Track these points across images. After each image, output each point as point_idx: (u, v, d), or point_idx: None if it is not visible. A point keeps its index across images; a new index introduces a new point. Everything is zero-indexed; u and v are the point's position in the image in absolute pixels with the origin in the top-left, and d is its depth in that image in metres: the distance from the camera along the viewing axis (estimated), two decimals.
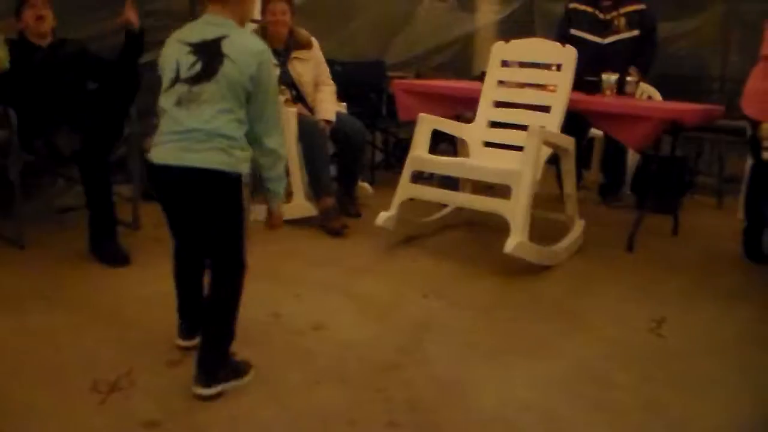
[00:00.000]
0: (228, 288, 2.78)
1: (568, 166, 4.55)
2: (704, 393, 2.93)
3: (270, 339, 3.21)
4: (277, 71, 5.01)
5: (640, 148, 5.11)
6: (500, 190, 4.19)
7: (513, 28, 7.93)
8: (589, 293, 3.96)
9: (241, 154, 2.65)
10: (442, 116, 4.74)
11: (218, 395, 2.71)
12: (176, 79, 2.64)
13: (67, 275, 3.91)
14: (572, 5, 5.66)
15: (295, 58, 5.11)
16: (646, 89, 5.64)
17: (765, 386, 3.03)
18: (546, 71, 4.83)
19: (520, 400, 2.82)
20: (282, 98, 5.00)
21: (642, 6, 5.47)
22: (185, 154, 2.60)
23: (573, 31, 5.51)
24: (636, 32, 5.44)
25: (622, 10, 5.45)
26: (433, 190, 4.61)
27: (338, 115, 5.11)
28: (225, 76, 2.58)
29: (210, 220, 2.72)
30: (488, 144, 4.77)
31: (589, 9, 5.52)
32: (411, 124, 4.72)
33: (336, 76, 5.38)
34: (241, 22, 2.75)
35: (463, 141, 4.82)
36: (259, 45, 2.67)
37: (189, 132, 2.60)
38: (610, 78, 4.98)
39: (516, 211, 3.98)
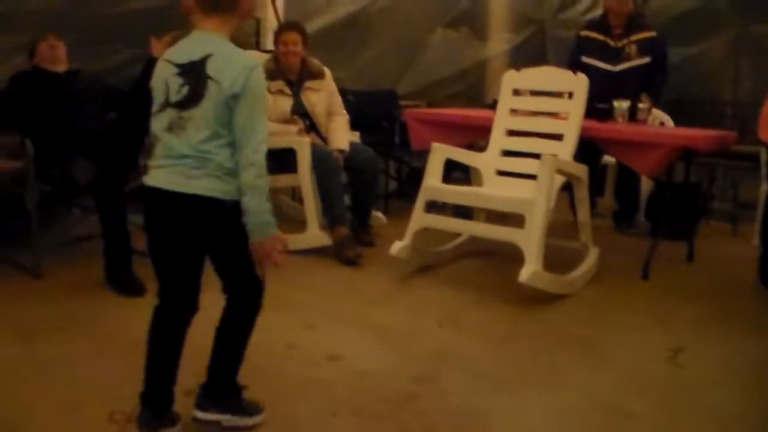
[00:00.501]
0: (241, 318, 2.75)
1: (582, 193, 4.55)
2: (723, 424, 2.90)
3: (284, 370, 3.20)
4: (290, 101, 5.05)
5: (652, 174, 5.10)
6: (514, 219, 4.18)
7: (525, 56, 7.97)
8: (604, 322, 3.94)
9: (236, 182, 2.44)
10: (455, 145, 4.76)
11: (215, 424, 2.68)
12: (166, 103, 2.46)
13: (83, 305, 3.92)
14: (584, 33, 5.70)
15: (308, 88, 5.14)
16: (658, 115, 5.64)
17: None
18: (558, 99, 4.85)
19: (535, 430, 2.80)
20: (295, 128, 5.04)
21: (653, 33, 5.49)
22: (181, 180, 2.43)
23: (585, 59, 5.54)
24: (647, 59, 5.46)
25: (633, 38, 5.47)
26: (446, 219, 4.61)
27: (351, 144, 5.14)
28: (210, 100, 2.39)
29: (212, 249, 2.60)
30: (501, 172, 4.78)
31: (601, 37, 5.55)
32: (424, 153, 4.74)
33: (349, 106, 5.41)
34: (229, 35, 2.53)
35: (476, 170, 4.82)
36: (247, 61, 2.42)
37: (182, 158, 2.43)
38: (621, 105, 4.99)
39: (530, 239, 3.98)
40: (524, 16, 8.23)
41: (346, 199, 5.13)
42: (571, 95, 4.75)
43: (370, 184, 5.24)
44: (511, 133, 4.86)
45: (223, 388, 2.73)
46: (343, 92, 5.45)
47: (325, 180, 4.87)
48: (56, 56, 4.45)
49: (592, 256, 4.65)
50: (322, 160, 4.88)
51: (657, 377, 3.29)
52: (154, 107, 2.49)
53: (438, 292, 4.35)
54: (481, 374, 3.27)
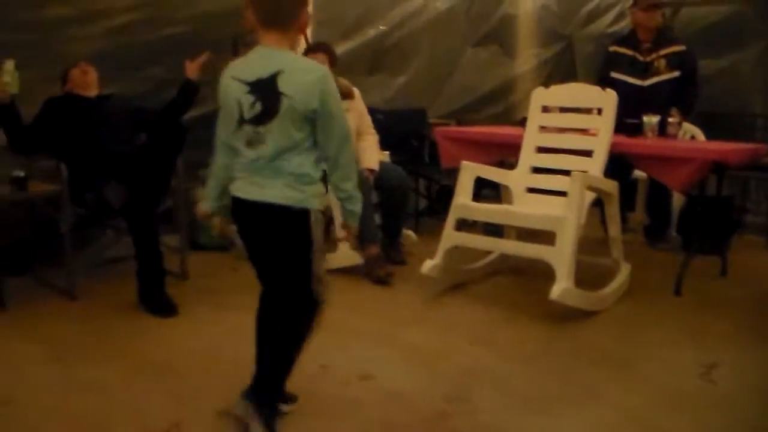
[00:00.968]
0: (291, 325, 2.80)
1: (613, 209, 4.54)
2: None
3: (317, 390, 3.21)
4: None
5: (684, 189, 5.06)
6: (545, 236, 4.18)
7: (554, 72, 7.99)
8: (637, 338, 3.92)
9: (310, 189, 2.63)
10: (485, 162, 4.77)
11: (244, 425, 2.75)
12: (242, 120, 2.61)
13: (116, 326, 3.97)
14: (612, 48, 5.69)
15: None
16: (689, 129, 5.61)
17: None
18: (587, 115, 4.84)
19: None
20: None
21: (682, 47, 5.47)
22: (255, 189, 2.64)
23: (614, 74, 5.53)
24: (677, 73, 5.43)
25: (662, 52, 5.45)
26: (477, 237, 4.62)
27: (381, 164, 5.16)
28: (286, 114, 2.54)
29: (277, 254, 2.74)
30: (531, 190, 4.78)
31: (629, 52, 5.54)
32: (453, 171, 4.75)
33: (378, 125, 5.43)
34: (293, 47, 2.69)
35: (506, 187, 4.82)
36: (317, 73, 2.56)
37: (259, 170, 2.62)
38: (651, 120, 4.97)
39: (561, 257, 3.98)
40: (552, 32, 8.23)
41: (377, 218, 5.15)
42: (600, 111, 4.75)
43: (400, 203, 5.26)
44: (541, 150, 4.87)
45: (266, 396, 2.81)
46: (372, 111, 5.47)
47: None
48: (87, 82, 4.53)
49: (624, 272, 4.63)
50: None
51: (690, 394, 3.27)
52: (231, 123, 2.65)
53: (469, 310, 4.35)
54: (512, 392, 3.27)
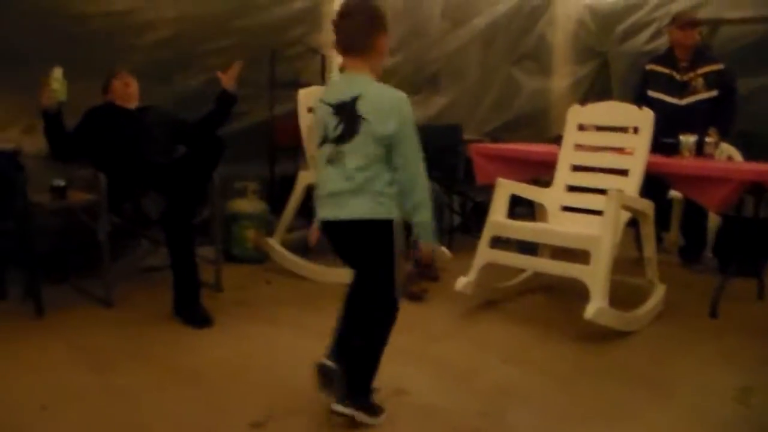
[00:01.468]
0: (377, 323, 2.99)
1: (648, 229, 4.51)
2: None
3: None
4: None
5: (720, 210, 5.02)
6: (579, 254, 4.17)
7: (590, 90, 7.97)
8: (671, 360, 3.89)
9: (389, 202, 2.85)
10: (519, 180, 4.76)
11: (350, 419, 2.96)
12: (326, 139, 2.87)
13: (152, 335, 4.01)
14: (649, 67, 5.67)
15: None
16: (726, 149, 5.55)
17: None
18: (623, 134, 4.82)
19: None
20: None
21: (720, 66, 5.44)
22: (338, 211, 2.87)
23: (650, 93, 5.52)
24: (715, 92, 5.40)
25: (700, 71, 5.43)
26: (511, 255, 4.60)
27: None
28: (363, 136, 2.78)
29: (365, 263, 2.97)
30: (566, 208, 4.77)
31: (666, 70, 5.52)
32: (488, 187, 4.75)
33: None
34: (377, 73, 2.88)
35: (541, 205, 4.81)
36: (393, 100, 2.80)
37: (338, 193, 2.85)
38: (688, 139, 4.94)
39: (596, 276, 3.96)
40: (588, 50, 8.22)
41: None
42: (636, 130, 4.73)
43: (434, 220, 5.24)
44: (576, 168, 4.86)
45: (358, 388, 2.99)
46: None
47: None
48: (129, 94, 4.60)
49: (659, 292, 4.60)
50: None
51: (725, 417, 3.24)
52: (317, 142, 2.94)
53: (502, 327, 4.34)
54: (546, 410, 3.26)
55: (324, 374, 3.01)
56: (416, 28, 6.89)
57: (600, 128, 4.97)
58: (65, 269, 4.76)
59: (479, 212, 5.76)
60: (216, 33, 5.73)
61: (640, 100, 5.30)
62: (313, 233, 3.12)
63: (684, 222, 5.95)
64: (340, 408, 2.96)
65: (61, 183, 4.32)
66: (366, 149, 2.79)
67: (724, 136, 5.32)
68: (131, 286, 4.77)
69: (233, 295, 4.74)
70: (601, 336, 4.08)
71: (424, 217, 2.87)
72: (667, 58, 5.60)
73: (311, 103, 5.38)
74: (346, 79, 2.88)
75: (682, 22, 5.51)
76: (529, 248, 4.74)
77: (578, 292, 4.15)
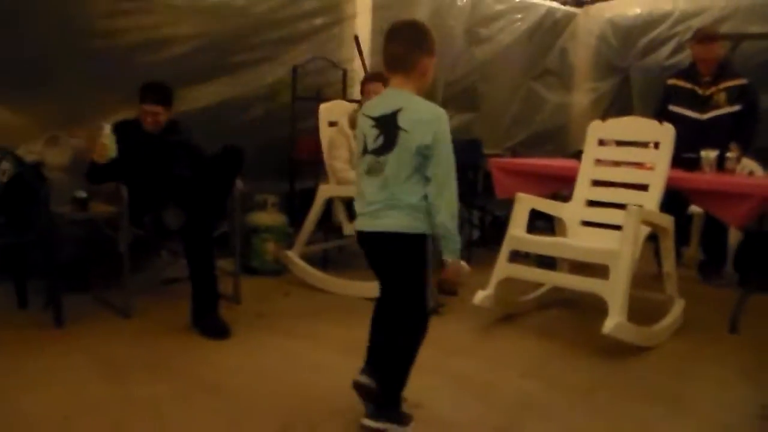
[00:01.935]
0: (408, 335, 3.05)
1: (668, 244, 4.50)
2: None
3: None
4: None
5: (741, 225, 4.99)
6: (598, 269, 4.15)
7: (610, 105, 7.97)
8: (692, 376, 3.86)
9: (423, 217, 2.90)
10: (539, 194, 4.77)
11: (387, 426, 3.00)
12: (365, 150, 2.95)
13: (170, 346, 4.03)
14: (671, 81, 5.66)
15: None
16: (748, 164, 5.52)
17: None
18: (643, 149, 4.81)
19: None
20: None
21: (743, 81, 5.41)
22: (374, 221, 2.95)
23: (672, 107, 5.50)
24: (737, 107, 5.38)
25: (722, 86, 5.41)
26: (530, 269, 4.58)
27: None
28: (401, 147, 2.84)
29: (398, 274, 3.02)
30: (586, 223, 4.76)
31: (688, 85, 5.50)
32: (507, 202, 4.75)
33: None
34: (420, 91, 2.95)
35: (560, 220, 4.81)
36: (433, 113, 2.86)
37: (375, 203, 2.93)
38: (709, 154, 4.92)
39: (614, 291, 3.95)
40: (609, 65, 8.22)
41: None
42: (657, 145, 4.72)
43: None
44: (596, 183, 4.85)
45: (390, 400, 3.06)
46: None
47: None
48: (157, 123, 4.58)
49: (678, 307, 4.58)
50: None
51: None
52: (358, 153, 3.04)
53: (520, 342, 4.33)
54: (564, 426, 3.25)
55: (362, 390, 3.06)
56: (439, 44, 6.93)
57: (620, 143, 4.96)
58: (86, 280, 4.80)
59: (498, 226, 5.77)
60: (238, 48, 5.78)
61: (662, 114, 5.29)
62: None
63: (704, 237, 5.93)
64: (371, 423, 3.01)
65: (83, 195, 4.35)
66: (404, 161, 2.85)
67: (746, 151, 5.30)
68: (151, 297, 4.79)
69: (252, 307, 4.76)
70: (620, 351, 4.07)
71: (451, 233, 2.91)
72: (689, 72, 5.59)
73: (332, 118, 5.43)
74: (389, 94, 2.96)
75: (701, 36, 5.51)
76: (547, 263, 4.74)
77: (597, 307, 4.14)
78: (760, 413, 3.40)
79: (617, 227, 4.30)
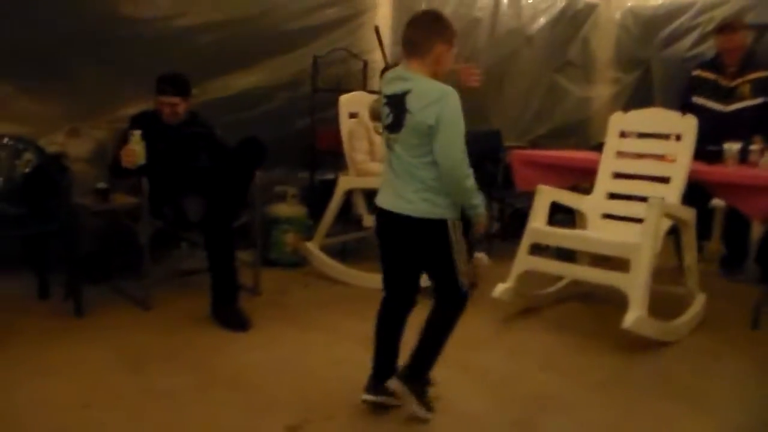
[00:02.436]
0: (443, 316, 3.15)
1: (689, 238, 4.46)
2: None
3: (387, 409, 3.23)
4: None
5: (764, 219, 4.94)
6: (618, 262, 4.13)
7: (632, 96, 7.91)
8: (712, 372, 3.84)
9: (444, 201, 2.96)
10: (559, 186, 4.73)
11: (398, 398, 3.11)
12: (384, 126, 3.06)
13: (190, 337, 4.05)
14: (696, 72, 5.59)
15: None
16: None
17: None
18: (665, 141, 4.77)
19: None
20: None
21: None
22: (398, 201, 3.01)
23: (695, 99, 5.43)
24: (761, 99, 5.30)
25: (748, 77, 5.32)
26: (550, 262, 4.56)
27: None
28: (409, 127, 2.91)
29: (424, 259, 3.12)
30: (606, 215, 4.73)
31: (713, 76, 5.43)
32: (528, 194, 4.73)
33: None
34: (435, 75, 2.97)
35: (581, 212, 4.78)
36: (440, 91, 2.88)
37: (395, 177, 3.02)
38: (732, 147, 4.86)
39: (635, 285, 3.92)
40: (630, 56, 8.16)
41: None
42: (679, 137, 4.68)
43: (472, 226, 5.24)
44: (618, 175, 4.81)
45: (416, 374, 3.15)
46: None
47: None
48: (176, 114, 4.57)
49: (699, 302, 4.55)
50: None
51: None
52: (381, 127, 3.14)
53: (540, 335, 4.32)
54: (582, 420, 3.25)
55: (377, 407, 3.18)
56: (463, 34, 6.90)
57: (642, 135, 4.92)
58: (106, 270, 4.82)
59: (518, 219, 5.73)
60: (258, 38, 5.78)
61: (685, 106, 5.23)
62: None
63: (726, 231, 5.87)
64: (394, 385, 3.11)
65: (104, 186, 4.37)
66: (412, 141, 2.92)
67: None
68: (170, 288, 4.81)
69: (271, 299, 4.77)
70: (640, 346, 4.04)
71: (468, 201, 2.98)
72: (714, 63, 5.51)
73: (352, 109, 5.42)
74: (400, 76, 2.99)
75: (724, 26, 5.45)
76: (567, 255, 4.71)
77: (617, 301, 4.11)
78: None
79: (638, 220, 4.28)
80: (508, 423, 3.18)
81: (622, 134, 4.93)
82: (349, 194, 5.30)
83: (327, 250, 5.46)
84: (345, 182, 5.29)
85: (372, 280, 4.98)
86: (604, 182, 4.81)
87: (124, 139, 4.40)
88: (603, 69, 8.23)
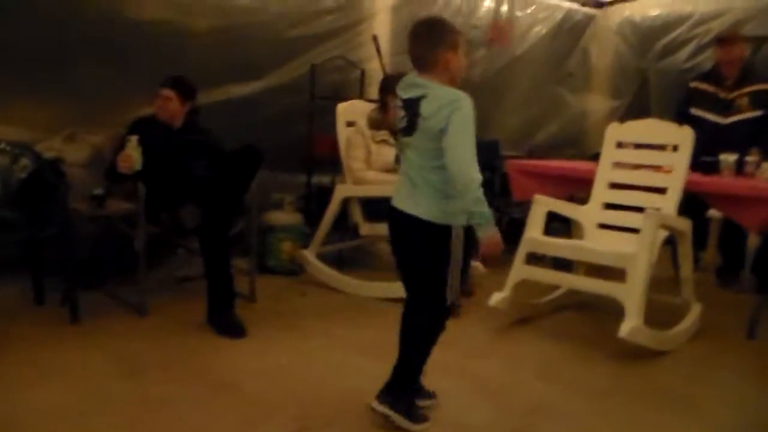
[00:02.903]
0: (423, 326, 3.10)
1: (685, 248, 4.47)
2: None
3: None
4: (394, 152, 5.12)
5: (760, 230, 4.95)
6: (615, 272, 4.14)
7: (629, 107, 7.93)
8: (708, 381, 3.84)
9: (452, 207, 2.94)
10: (556, 196, 4.73)
11: (385, 418, 3.05)
12: (398, 129, 3.07)
13: (185, 344, 4.03)
14: (693, 84, 5.61)
15: None
16: None
17: None
18: (662, 152, 4.78)
19: None
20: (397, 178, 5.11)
21: (766, 86, 5.35)
22: (408, 202, 3.01)
23: (693, 111, 5.45)
24: (759, 112, 5.32)
25: (746, 90, 5.34)
26: (546, 271, 4.57)
27: None
28: (421, 131, 2.92)
29: (419, 263, 3.07)
30: (603, 225, 4.74)
31: (711, 88, 5.45)
32: (524, 203, 4.74)
33: None
34: (450, 82, 2.97)
35: (577, 222, 4.79)
36: (452, 96, 2.87)
37: (408, 180, 3.02)
38: (728, 158, 4.89)
39: (631, 294, 3.93)
40: (628, 66, 8.19)
41: None
42: (675, 148, 4.69)
43: (469, 235, 5.24)
44: (614, 185, 4.82)
45: (399, 388, 3.10)
46: None
47: None
48: (167, 110, 4.56)
49: (695, 312, 4.55)
50: None
51: None
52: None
53: (536, 344, 4.32)
54: (580, 429, 3.24)
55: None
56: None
57: (639, 146, 4.93)
58: (102, 276, 4.81)
59: (515, 228, 5.74)
60: (258, 44, 5.79)
61: (682, 117, 5.24)
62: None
63: (722, 241, 5.88)
64: (375, 406, 3.07)
65: (101, 192, 4.37)
66: (424, 145, 2.92)
67: (766, 155, 5.25)
68: (166, 295, 4.80)
69: (267, 306, 4.76)
70: (636, 355, 4.05)
71: (474, 208, 2.86)
72: (712, 75, 5.53)
73: (349, 117, 5.43)
74: (415, 82, 2.99)
75: (722, 37, 5.47)
76: (564, 265, 4.72)
77: (613, 310, 4.11)
78: None
79: (634, 230, 4.28)
80: None
81: (619, 145, 4.94)
82: (345, 202, 5.30)
83: (323, 258, 5.46)
84: (342, 190, 5.29)
85: (369, 288, 5.01)
86: (600, 192, 4.82)
87: (121, 144, 4.41)
88: (601, 79, 8.26)
